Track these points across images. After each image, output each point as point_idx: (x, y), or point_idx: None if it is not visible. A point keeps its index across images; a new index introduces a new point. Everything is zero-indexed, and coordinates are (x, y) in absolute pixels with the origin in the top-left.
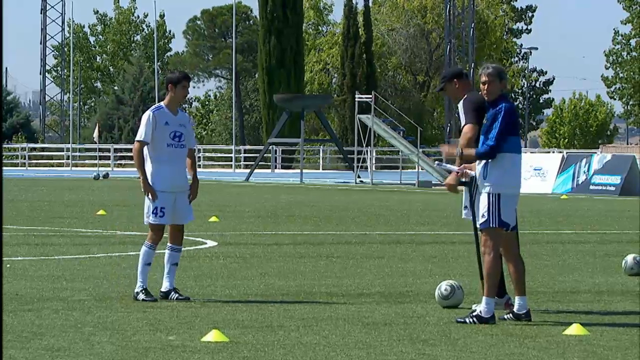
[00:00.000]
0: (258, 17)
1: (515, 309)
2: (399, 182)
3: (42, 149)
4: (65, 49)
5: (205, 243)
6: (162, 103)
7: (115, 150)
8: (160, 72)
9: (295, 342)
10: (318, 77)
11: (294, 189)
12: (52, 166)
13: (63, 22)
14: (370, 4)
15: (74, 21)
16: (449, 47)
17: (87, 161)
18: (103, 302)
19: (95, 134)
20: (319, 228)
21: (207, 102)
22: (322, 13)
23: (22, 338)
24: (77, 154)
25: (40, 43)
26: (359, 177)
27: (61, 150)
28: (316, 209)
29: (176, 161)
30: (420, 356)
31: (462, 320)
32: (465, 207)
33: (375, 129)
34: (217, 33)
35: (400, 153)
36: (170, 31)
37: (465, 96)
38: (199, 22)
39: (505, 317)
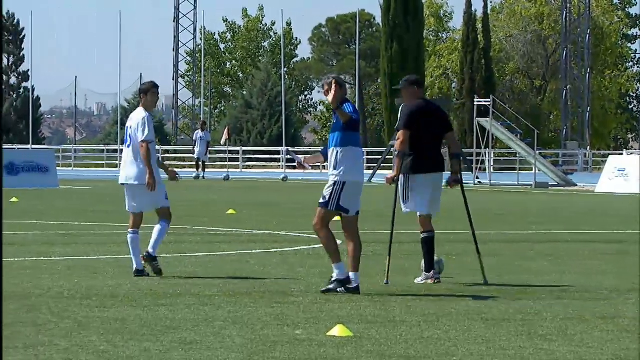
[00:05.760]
0: (380, 24)
1: (352, 285)
2: (516, 183)
3: (175, 152)
4: (197, 56)
5: None
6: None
7: (244, 152)
8: (287, 77)
9: (417, 336)
10: (438, 82)
11: None
12: (184, 167)
13: (195, 30)
14: (489, 12)
15: (205, 29)
16: (565, 52)
17: (217, 163)
18: (233, 297)
19: (223, 139)
20: (434, 227)
21: None
22: (442, 20)
23: (156, 331)
24: (207, 155)
25: (173, 50)
26: (477, 178)
27: (192, 152)
28: None
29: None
30: (538, 351)
31: (326, 289)
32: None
33: (494, 131)
34: (341, 40)
35: (517, 155)
36: (296, 38)
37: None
38: (324, 30)
39: (339, 290)
